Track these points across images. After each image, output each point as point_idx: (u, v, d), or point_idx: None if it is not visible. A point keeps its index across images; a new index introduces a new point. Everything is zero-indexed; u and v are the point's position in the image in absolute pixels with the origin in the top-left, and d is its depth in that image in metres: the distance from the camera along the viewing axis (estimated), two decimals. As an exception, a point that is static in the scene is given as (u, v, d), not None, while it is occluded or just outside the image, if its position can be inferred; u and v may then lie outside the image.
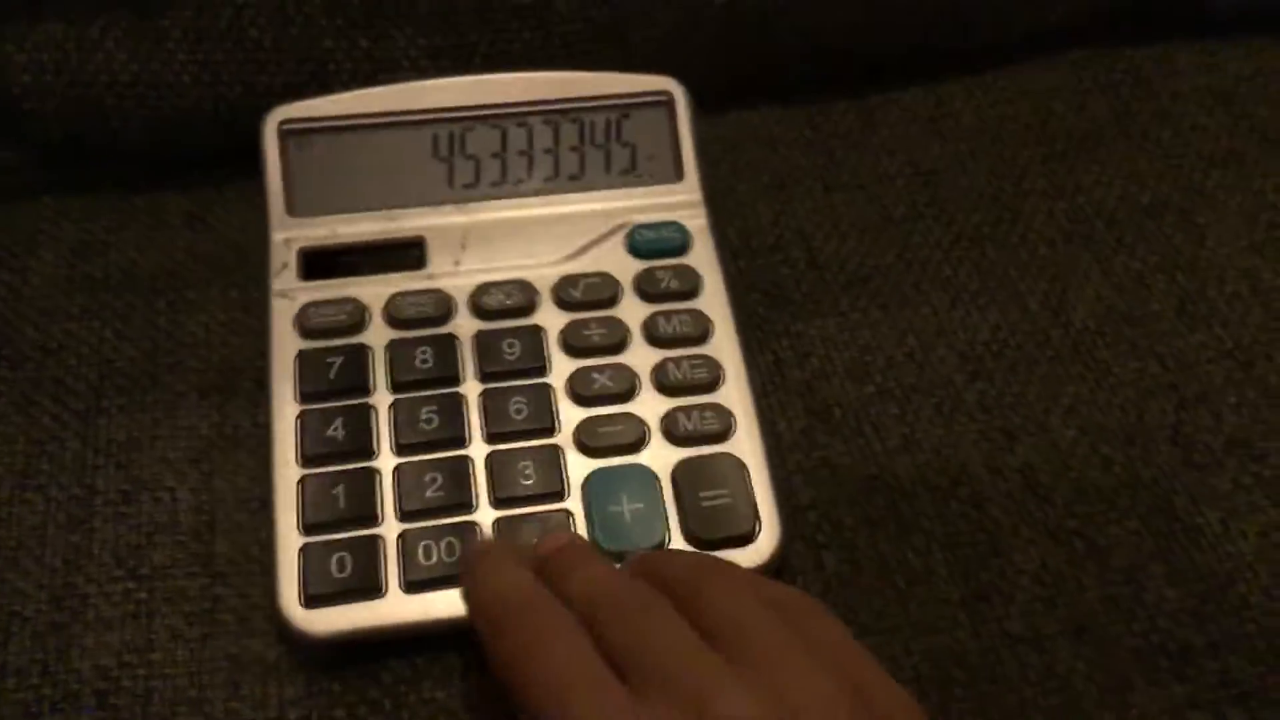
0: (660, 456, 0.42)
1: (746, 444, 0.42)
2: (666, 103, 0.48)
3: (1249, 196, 0.52)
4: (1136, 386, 0.45)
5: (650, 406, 0.43)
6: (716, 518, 0.40)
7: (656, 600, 0.33)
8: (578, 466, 0.41)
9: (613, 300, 0.45)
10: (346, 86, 0.51)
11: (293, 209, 0.46)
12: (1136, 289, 0.49)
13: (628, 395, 0.43)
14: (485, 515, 0.40)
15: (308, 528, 0.40)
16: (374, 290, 0.45)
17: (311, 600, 0.38)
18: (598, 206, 0.47)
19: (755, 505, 0.41)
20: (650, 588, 0.34)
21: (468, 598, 0.37)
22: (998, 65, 0.58)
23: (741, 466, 0.41)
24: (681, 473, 0.41)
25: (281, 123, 0.46)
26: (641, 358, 0.44)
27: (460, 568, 0.38)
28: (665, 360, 0.44)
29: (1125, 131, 0.55)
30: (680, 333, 0.44)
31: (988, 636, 0.39)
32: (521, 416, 0.42)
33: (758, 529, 0.40)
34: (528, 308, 0.45)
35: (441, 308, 0.45)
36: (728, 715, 0.29)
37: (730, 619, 0.32)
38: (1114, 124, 0.55)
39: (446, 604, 0.38)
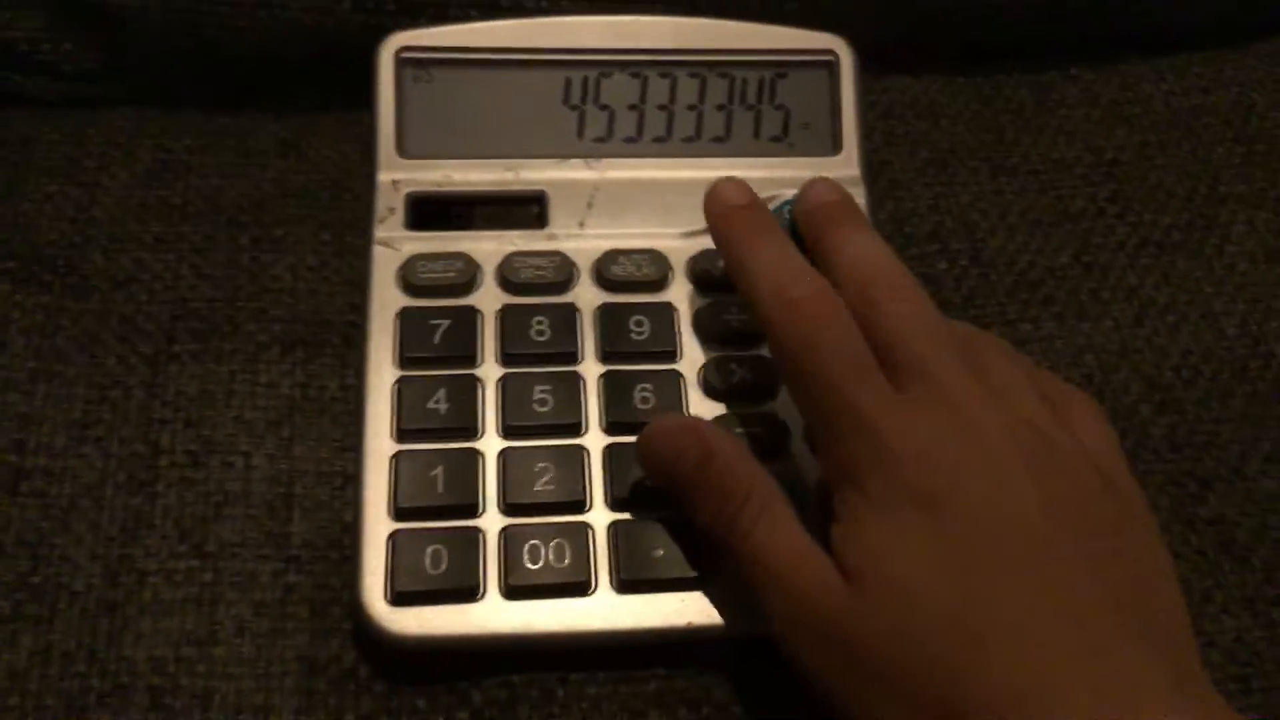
0: (807, 464, 0.36)
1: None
2: (829, 64, 0.42)
3: None
4: (1350, 435, 0.40)
5: (793, 408, 0.37)
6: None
7: (920, 290, 0.34)
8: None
9: (757, 282, 0.40)
10: (466, 11, 0.46)
11: (404, 149, 0.41)
12: (1350, 321, 0.42)
13: (768, 393, 0.38)
14: (601, 517, 0.35)
15: (400, 512, 0.35)
16: (488, 247, 0.40)
17: (399, 597, 0.33)
18: (742, 175, 0.41)
19: None
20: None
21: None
22: (1189, 49, 0.51)
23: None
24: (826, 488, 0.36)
25: (400, 50, 0.41)
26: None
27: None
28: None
29: (1335, 136, 0.48)
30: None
31: (1177, 720, 0.34)
32: (647, 406, 0.37)
33: None
34: (659, 282, 0.40)
35: (562, 273, 0.39)
36: (981, 424, 0.31)
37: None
38: (1323, 126, 0.49)
39: (552, 617, 0.34)
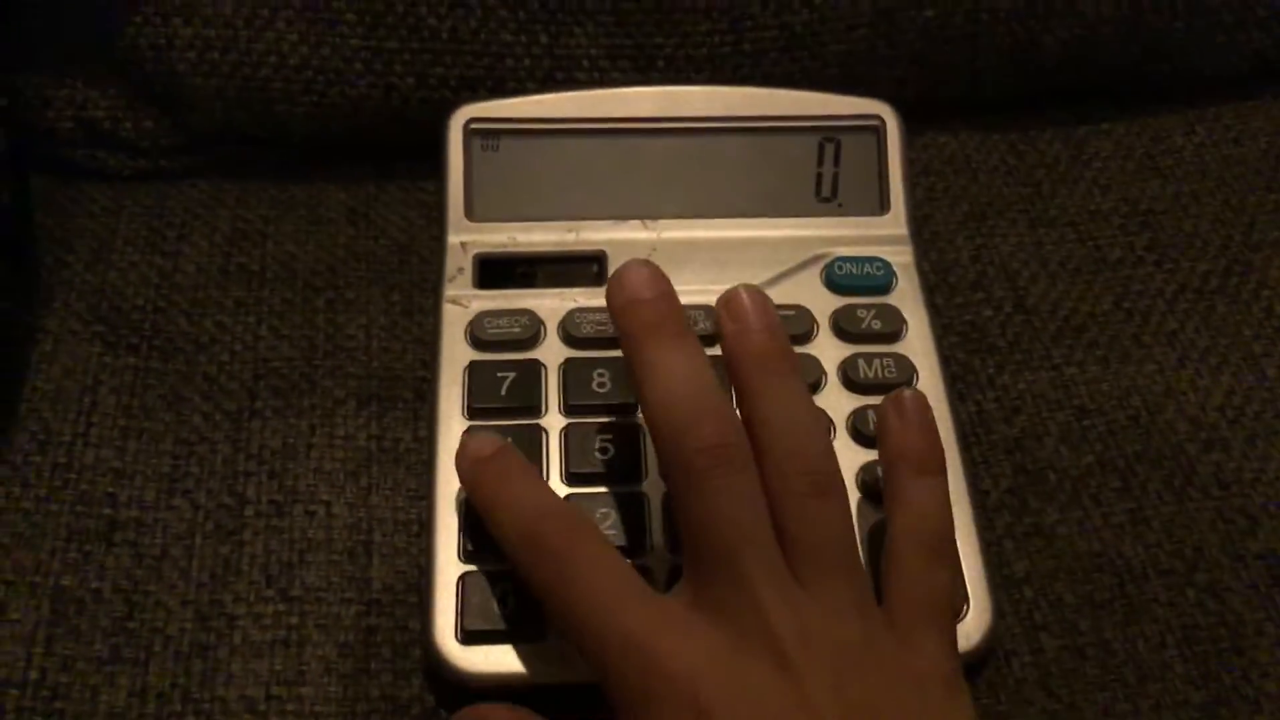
0: (857, 515, 0.37)
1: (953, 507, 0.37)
2: (876, 128, 0.44)
3: None
4: (1392, 471, 0.40)
5: (845, 457, 0.38)
6: (920, 589, 0.36)
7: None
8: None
9: (808, 336, 0.41)
10: (523, 84, 0.48)
11: (472, 212, 0.43)
12: (1388, 361, 0.43)
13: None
14: (660, 560, 0.37)
15: (469, 555, 0.36)
16: (551, 304, 0.42)
17: (469, 636, 0.35)
18: (794, 234, 0.44)
19: (963, 577, 0.36)
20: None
21: (493, 524, 0.34)
22: (1218, 100, 0.53)
23: (948, 532, 0.37)
24: (880, 536, 0.37)
25: (468, 121, 0.43)
26: (837, 402, 0.40)
27: (467, 471, 0.35)
28: (864, 407, 0.40)
29: (1365, 182, 0.50)
30: (882, 378, 0.40)
31: (1232, 749, 0.35)
32: (703, 453, 0.39)
33: (966, 608, 0.36)
34: (714, 337, 0.41)
35: (622, 329, 0.41)
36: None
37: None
38: (1354, 173, 0.50)
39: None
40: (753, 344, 0.34)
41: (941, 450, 0.35)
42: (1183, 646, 0.36)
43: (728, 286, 0.42)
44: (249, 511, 0.39)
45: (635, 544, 0.37)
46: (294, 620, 0.37)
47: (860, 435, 0.39)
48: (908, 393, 0.36)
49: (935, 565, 0.33)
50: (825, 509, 0.32)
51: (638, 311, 0.34)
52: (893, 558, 0.33)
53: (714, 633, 0.30)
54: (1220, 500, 0.40)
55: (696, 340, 0.34)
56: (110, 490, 0.39)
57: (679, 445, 0.32)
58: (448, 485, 0.38)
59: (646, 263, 0.36)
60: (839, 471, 0.33)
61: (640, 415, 0.39)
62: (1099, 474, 0.40)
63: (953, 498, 0.36)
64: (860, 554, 0.33)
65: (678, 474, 0.32)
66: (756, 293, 0.35)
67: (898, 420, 0.35)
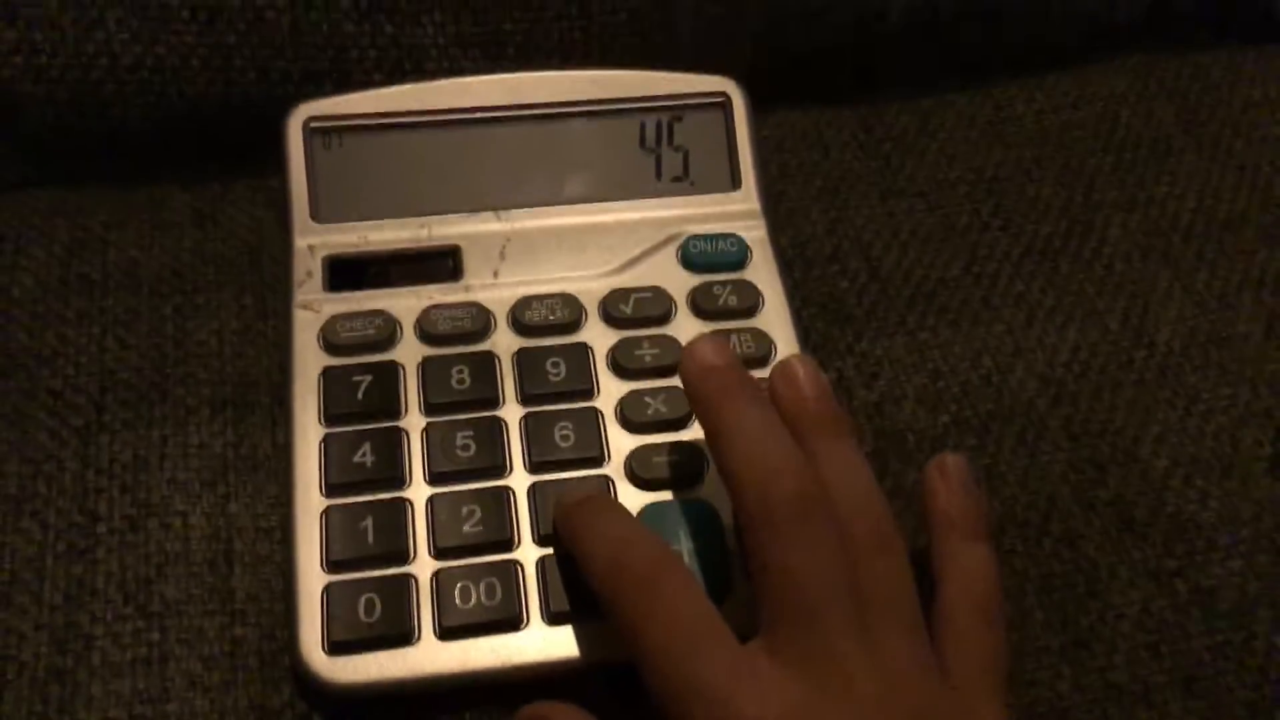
0: (722, 491, 0.38)
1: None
2: (722, 105, 0.45)
3: (1332, 210, 0.49)
4: (1229, 413, 0.42)
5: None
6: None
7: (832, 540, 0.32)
8: (630, 500, 0.38)
9: (666, 317, 0.42)
10: (369, 76, 0.47)
11: (318, 214, 0.42)
12: (1221, 309, 0.45)
13: (684, 422, 0.39)
14: (529, 553, 0.37)
15: (332, 565, 0.36)
16: (406, 303, 0.41)
17: (336, 646, 0.35)
18: (648, 215, 0.44)
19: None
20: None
21: (582, 555, 0.34)
22: (1055, 68, 0.54)
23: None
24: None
25: (308, 121, 0.42)
26: (699, 379, 0.40)
27: (560, 515, 0.36)
28: (725, 382, 0.40)
29: (1196, 140, 0.52)
30: (740, 354, 0.41)
31: (1091, 689, 0.36)
32: (568, 444, 0.39)
33: None
34: (573, 324, 0.41)
35: (479, 322, 0.41)
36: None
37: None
38: (1183, 132, 0.52)
39: (487, 653, 0.35)
40: (809, 409, 0.35)
41: (988, 514, 0.36)
42: (1041, 595, 0.38)
43: (585, 274, 0.42)
44: (101, 528, 0.38)
45: (503, 539, 0.37)
46: (155, 636, 0.36)
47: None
48: (950, 457, 0.37)
49: (990, 628, 0.33)
50: (892, 566, 0.33)
51: (714, 377, 0.35)
52: (947, 621, 0.33)
53: (793, 686, 0.30)
54: (1070, 451, 0.41)
55: (771, 404, 0.35)
56: (-48, 518, 0.37)
57: (764, 496, 0.32)
58: (307, 495, 0.37)
59: (713, 336, 0.37)
60: (899, 532, 0.34)
61: (502, 409, 0.39)
62: (955, 433, 0.41)
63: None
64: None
65: (760, 525, 0.32)
66: (808, 361, 0.37)
67: (942, 483, 0.36)
